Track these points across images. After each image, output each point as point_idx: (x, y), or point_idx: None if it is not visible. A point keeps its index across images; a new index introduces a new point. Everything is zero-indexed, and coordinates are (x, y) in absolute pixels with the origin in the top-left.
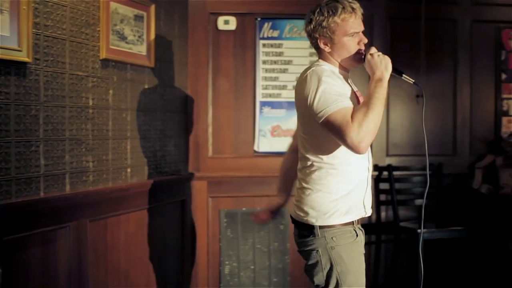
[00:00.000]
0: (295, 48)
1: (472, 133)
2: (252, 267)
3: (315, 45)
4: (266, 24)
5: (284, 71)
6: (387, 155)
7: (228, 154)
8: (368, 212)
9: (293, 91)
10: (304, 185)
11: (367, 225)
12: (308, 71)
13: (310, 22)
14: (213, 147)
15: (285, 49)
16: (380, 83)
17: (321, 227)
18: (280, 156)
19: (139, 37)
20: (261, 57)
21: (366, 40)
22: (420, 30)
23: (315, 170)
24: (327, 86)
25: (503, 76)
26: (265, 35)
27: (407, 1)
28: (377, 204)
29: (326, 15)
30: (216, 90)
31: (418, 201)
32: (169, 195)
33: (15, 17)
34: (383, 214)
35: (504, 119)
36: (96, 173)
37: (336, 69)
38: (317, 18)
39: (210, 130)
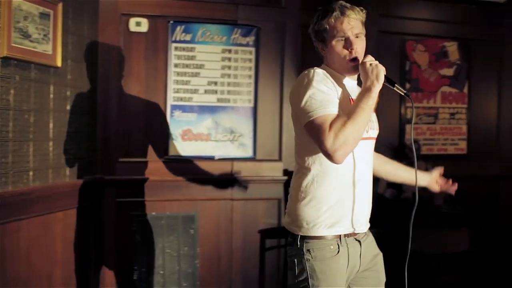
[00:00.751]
0: (208, 53)
1: (378, 140)
2: (162, 272)
3: (317, 50)
4: (178, 27)
5: (196, 75)
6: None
7: (138, 158)
8: (358, 228)
9: (205, 95)
10: (292, 191)
11: (277, 229)
12: (302, 74)
13: (311, 27)
14: (123, 151)
15: (198, 53)
16: (368, 93)
17: (302, 237)
18: (191, 160)
19: (45, 35)
20: (173, 60)
21: (358, 47)
22: None
23: (301, 177)
24: (315, 91)
25: (407, 85)
26: (178, 38)
27: (318, 10)
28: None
29: (317, 19)
30: (127, 92)
31: None
32: (75, 199)
33: None
34: None
35: (408, 127)
36: None
37: (335, 74)
38: (313, 22)
39: (120, 133)
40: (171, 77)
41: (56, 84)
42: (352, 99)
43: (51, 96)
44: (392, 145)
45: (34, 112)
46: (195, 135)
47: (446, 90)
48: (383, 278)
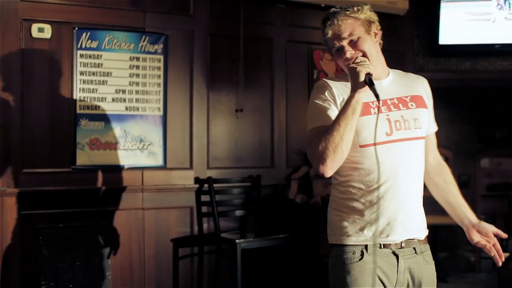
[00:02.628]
0: (115, 60)
1: (288, 146)
2: (71, 285)
3: None
4: (84, 34)
5: (104, 82)
6: (208, 167)
7: (43, 168)
8: (392, 238)
9: (113, 103)
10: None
11: (190, 237)
12: None
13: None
14: (25, 161)
15: (104, 61)
16: (348, 100)
17: (332, 245)
18: (100, 170)
19: None
20: (78, 68)
21: (347, 52)
22: (239, 48)
23: (332, 187)
24: (311, 102)
25: None
26: (83, 46)
27: (227, 19)
28: (199, 216)
29: (322, 30)
30: (29, 100)
31: (238, 212)
32: None
33: None
34: (205, 225)
35: None
36: None
37: (346, 82)
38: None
39: (23, 143)
40: (77, 85)
41: None
42: (368, 102)
43: None
44: (300, 150)
45: None
46: (103, 144)
47: None
48: None
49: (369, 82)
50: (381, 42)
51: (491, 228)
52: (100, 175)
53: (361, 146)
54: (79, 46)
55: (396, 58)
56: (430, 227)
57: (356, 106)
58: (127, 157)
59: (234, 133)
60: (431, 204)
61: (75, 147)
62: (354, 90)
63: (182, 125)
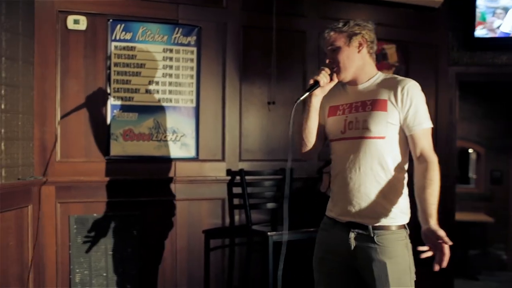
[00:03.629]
0: (148, 52)
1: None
2: (105, 274)
3: None
4: (118, 26)
5: (137, 74)
6: (240, 160)
7: (78, 158)
8: (344, 218)
9: (146, 95)
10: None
11: (221, 229)
12: None
13: None
14: (61, 151)
15: (138, 52)
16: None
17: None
18: (133, 160)
19: None
20: (113, 59)
21: (326, 60)
22: (272, 40)
23: None
24: None
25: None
26: (117, 37)
27: (260, 11)
28: (231, 208)
29: None
30: (65, 91)
31: (270, 205)
32: (11, 201)
33: None
34: (236, 217)
35: None
36: None
37: (344, 84)
38: None
39: (58, 133)
40: (111, 76)
41: None
42: (340, 105)
43: None
44: None
45: None
46: (136, 135)
47: None
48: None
49: (308, 88)
50: (371, 50)
51: (439, 233)
52: (133, 166)
53: (330, 141)
54: (113, 37)
55: (430, 52)
56: (461, 224)
57: (309, 108)
58: (160, 148)
59: (266, 125)
60: (462, 201)
61: (109, 138)
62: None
63: (214, 117)
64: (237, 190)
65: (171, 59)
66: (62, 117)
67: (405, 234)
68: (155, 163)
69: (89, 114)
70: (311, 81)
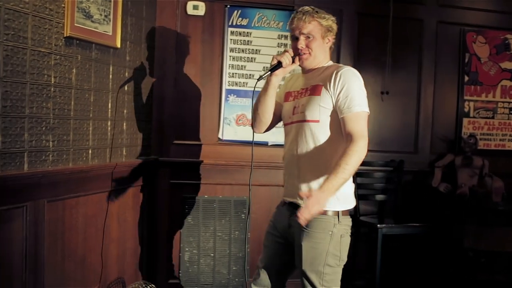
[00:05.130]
0: (264, 38)
1: (433, 132)
2: (212, 254)
3: None
4: (235, 12)
5: (252, 60)
6: None
7: (192, 140)
8: (288, 199)
9: (260, 81)
10: None
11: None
12: None
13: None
14: (177, 133)
15: (254, 38)
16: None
17: None
18: (244, 144)
19: (106, 16)
20: (229, 44)
21: (300, 45)
22: (388, 28)
23: None
24: None
25: (466, 78)
26: (234, 23)
27: None
28: None
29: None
30: (183, 75)
31: (379, 197)
32: (130, 179)
33: None
34: None
35: (465, 120)
36: (56, 153)
37: (300, 71)
38: None
39: (174, 115)
40: (227, 61)
41: (115, 65)
42: (293, 92)
43: (110, 76)
44: (446, 137)
45: (94, 92)
46: (249, 120)
47: (507, 84)
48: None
49: (271, 68)
50: (332, 46)
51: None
52: (244, 150)
53: (284, 126)
54: (230, 23)
55: None
56: None
57: (268, 86)
58: (271, 134)
59: (378, 115)
60: None
61: (222, 122)
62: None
63: None
64: None
65: (285, 45)
66: (177, 100)
67: (334, 221)
68: (266, 148)
69: (204, 97)
70: (274, 61)
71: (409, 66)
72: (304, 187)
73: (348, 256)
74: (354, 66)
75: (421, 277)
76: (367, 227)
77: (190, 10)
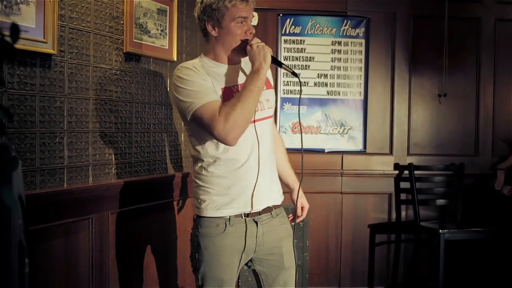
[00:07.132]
0: (317, 45)
1: (494, 134)
2: None
3: (203, 29)
4: (288, 20)
5: (306, 67)
6: (408, 154)
7: None
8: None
9: (314, 88)
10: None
11: (387, 224)
12: (174, 71)
13: (201, 2)
14: None
15: (307, 46)
16: (256, 74)
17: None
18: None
19: (162, 31)
20: (282, 53)
21: (253, 30)
22: (443, 29)
23: (196, 164)
24: (189, 83)
25: None
26: (287, 31)
27: None
28: (398, 203)
29: None
30: None
31: (439, 201)
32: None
33: (41, 9)
34: (403, 213)
35: None
36: (119, 166)
37: (214, 63)
38: (202, 1)
39: None
40: (281, 69)
41: (171, 78)
42: (233, 87)
43: (168, 89)
44: (508, 139)
45: (153, 105)
46: (304, 128)
47: None
48: (287, 263)
49: (277, 63)
50: None
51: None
52: (301, 158)
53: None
54: (283, 31)
55: None
56: None
57: (263, 82)
58: (327, 141)
59: (436, 119)
60: None
61: (278, 130)
62: (261, 67)
63: (382, 110)
64: (404, 185)
65: (339, 51)
66: None
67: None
68: (323, 155)
69: None
70: (269, 55)
71: (466, 67)
72: (274, 187)
73: (408, 264)
74: (410, 70)
75: (485, 284)
76: (427, 233)
77: None
